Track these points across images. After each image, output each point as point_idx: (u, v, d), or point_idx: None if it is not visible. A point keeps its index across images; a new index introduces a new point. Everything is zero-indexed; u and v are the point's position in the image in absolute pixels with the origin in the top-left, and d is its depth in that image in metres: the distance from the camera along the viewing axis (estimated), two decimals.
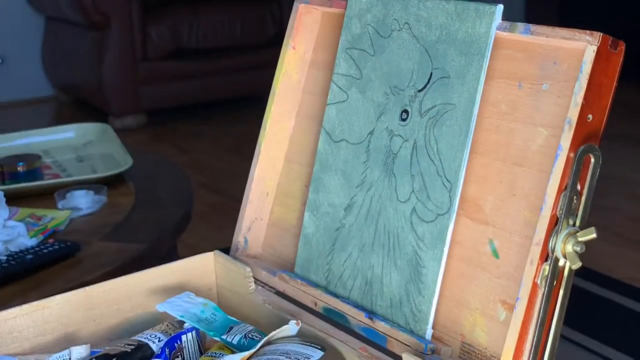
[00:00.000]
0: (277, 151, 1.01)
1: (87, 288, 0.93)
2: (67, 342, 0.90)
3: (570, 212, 0.70)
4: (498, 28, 0.78)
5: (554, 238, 0.70)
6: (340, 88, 0.93)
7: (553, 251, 0.70)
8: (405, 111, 0.86)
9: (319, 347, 0.82)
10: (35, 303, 0.89)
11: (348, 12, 0.93)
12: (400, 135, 0.86)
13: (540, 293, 0.70)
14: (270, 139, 1.00)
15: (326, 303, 0.90)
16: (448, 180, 0.80)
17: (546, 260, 0.70)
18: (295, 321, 0.82)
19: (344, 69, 0.93)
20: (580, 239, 0.69)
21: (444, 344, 0.80)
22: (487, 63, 0.79)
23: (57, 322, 0.90)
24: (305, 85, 1.00)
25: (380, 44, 0.89)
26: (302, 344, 0.80)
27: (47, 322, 0.90)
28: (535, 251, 0.70)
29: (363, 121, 0.90)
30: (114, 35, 3.74)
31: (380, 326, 0.83)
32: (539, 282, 0.70)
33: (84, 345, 0.83)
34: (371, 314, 0.85)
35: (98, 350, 0.83)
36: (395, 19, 0.88)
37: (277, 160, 1.02)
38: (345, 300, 0.89)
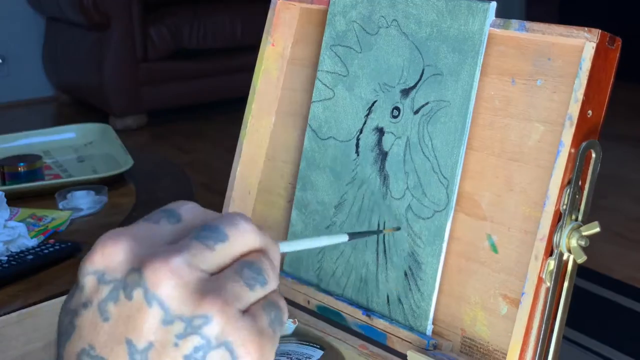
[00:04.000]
0: (259, 149, 0.98)
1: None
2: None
3: (573, 207, 0.68)
4: (492, 25, 0.76)
5: (558, 233, 0.68)
6: (326, 85, 0.90)
7: (557, 246, 0.68)
8: (397, 108, 0.83)
9: (318, 347, 0.82)
10: (24, 311, 0.85)
11: (331, 9, 0.89)
12: (392, 133, 0.83)
13: (544, 287, 0.68)
14: (251, 137, 0.97)
15: (320, 301, 0.86)
16: (444, 177, 0.78)
17: (550, 255, 0.68)
18: (292, 320, 0.82)
19: (328, 65, 0.90)
20: (584, 234, 0.68)
21: (444, 339, 0.78)
22: (482, 60, 0.76)
23: (47, 329, 0.86)
24: (285, 82, 0.97)
25: (367, 41, 0.86)
26: (301, 343, 0.79)
27: (37, 329, 0.86)
28: (540, 246, 0.68)
29: (351, 118, 0.87)
30: (114, 36, 3.72)
31: (379, 323, 0.80)
32: (544, 276, 0.68)
33: None
34: (368, 311, 0.83)
35: None
36: (382, 16, 0.84)
37: (258, 157, 0.98)
38: (340, 297, 0.86)
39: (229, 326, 0.38)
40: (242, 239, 0.40)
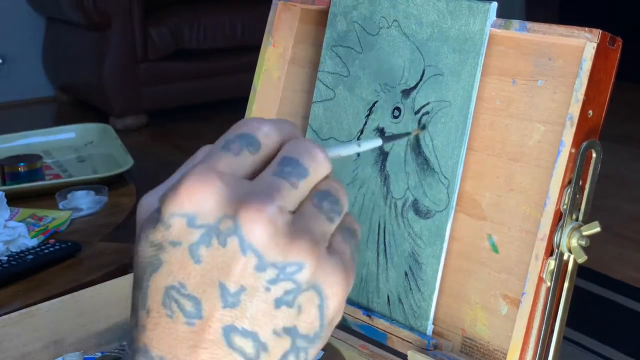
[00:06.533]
0: None
1: (74, 294, 0.89)
2: (56, 349, 0.87)
3: (573, 207, 0.68)
4: (493, 25, 0.76)
5: (559, 233, 0.68)
6: (327, 86, 0.90)
7: (558, 246, 0.68)
8: (397, 108, 0.83)
9: None
10: (24, 311, 0.85)
11: (332, 10, 0.89)
12: (393, 133, 0.83)
13: (544, 287, 0.68)
14: None
15: None
16: (445, 177, 0.78)
17: (551, 255, 0.68)
18: None
19: (329, 66, 0.90)
20: (584, 233, 0.68)
21: (444, 339, 0.78)
22: (483, 60, 0.76)
23: (46, 329, 0.87)
24: (286, 83, 0.97)
25: (368, 42, 0.86)
26: None
27: (36, 329, 0.86)
28: (540, 246, 0.68)
29: (352, 119, 0.87)
30: (114, 36, 3.72)
31: (380, 323, 0.81)
32: (544, 276, 0.68)
33: (77, 353, 0.79)
34: (369, 311, 0.83)
35: (90, 357, 0.83)
36: (383, 17, 0.84)
37: None
38: None
39: (320, 270, 0.39)
40: (319, 171, 0.41)
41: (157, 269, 0.39)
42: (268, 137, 0.42)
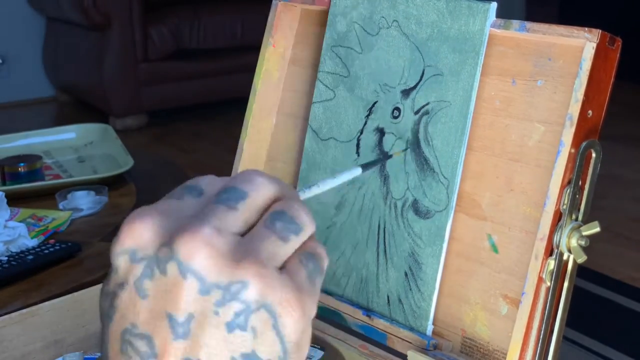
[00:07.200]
0: (260, 150, 0.98)
1: (74, 294, 0.89)
2: (56, 349, 0.87)
3: (573, 207, 0.68)
4: (492, 25, 0.76)
5: (559, 233, 0.68)
6: (327, 86, 0.90)
7: (558, 246, 0.68)
8: (397, 109, 0.83)
9: (319, 347, 0.82)
10: (25, 311, 0.85)
11: (332, 10, 0.89)
12: (393, 133, 0.83)
13: (544, 287, 0.68)
14: (252, 138, 0.97)
15: (320, 302, 0.86)
16: (445, 177, 0.78)
17: (551, 255, 0.68)
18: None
19: (329, 66, 0.90)
20: (584, 233, 0.68)
21: (444, 339, 0.78)
22: (482, 60, 0.76)
23: (47, 329, 0.86)
24: (286, 83, 0.97)
25: (368, 42, 0.86)
26: None
27: (37, 329, 0.86)
28: (540, 246, 0.69)
29: (352, 119, 0.87)
30: (114, 36, 3.72)
31: (379, 323, 0.81)
32: (544, 276, 0.68)
33: (77, 353, 0.79)
34: (369, 311, 0.83)
35: (90, 357, 0.83)
36: (383, 17, 0.85)
37: (259, 158, 0.98)
38: (340, 298, 0.86)
39: (267, 288, 0.37)
40: (260, 191, 0.40)
41: (112, 318, 0.38)
42: (211, 185, 0.41)
